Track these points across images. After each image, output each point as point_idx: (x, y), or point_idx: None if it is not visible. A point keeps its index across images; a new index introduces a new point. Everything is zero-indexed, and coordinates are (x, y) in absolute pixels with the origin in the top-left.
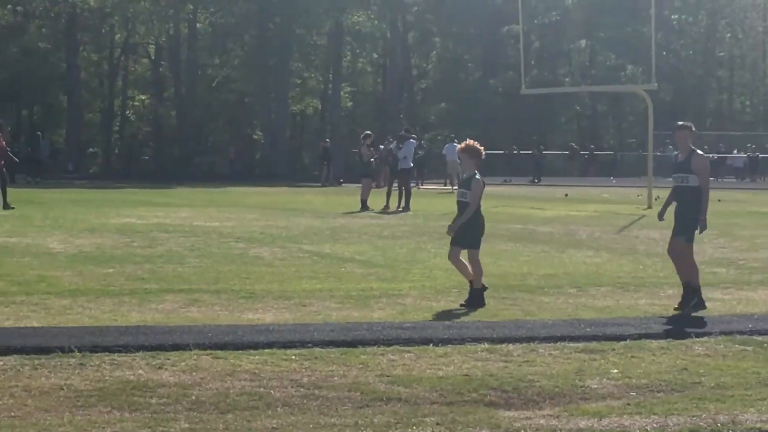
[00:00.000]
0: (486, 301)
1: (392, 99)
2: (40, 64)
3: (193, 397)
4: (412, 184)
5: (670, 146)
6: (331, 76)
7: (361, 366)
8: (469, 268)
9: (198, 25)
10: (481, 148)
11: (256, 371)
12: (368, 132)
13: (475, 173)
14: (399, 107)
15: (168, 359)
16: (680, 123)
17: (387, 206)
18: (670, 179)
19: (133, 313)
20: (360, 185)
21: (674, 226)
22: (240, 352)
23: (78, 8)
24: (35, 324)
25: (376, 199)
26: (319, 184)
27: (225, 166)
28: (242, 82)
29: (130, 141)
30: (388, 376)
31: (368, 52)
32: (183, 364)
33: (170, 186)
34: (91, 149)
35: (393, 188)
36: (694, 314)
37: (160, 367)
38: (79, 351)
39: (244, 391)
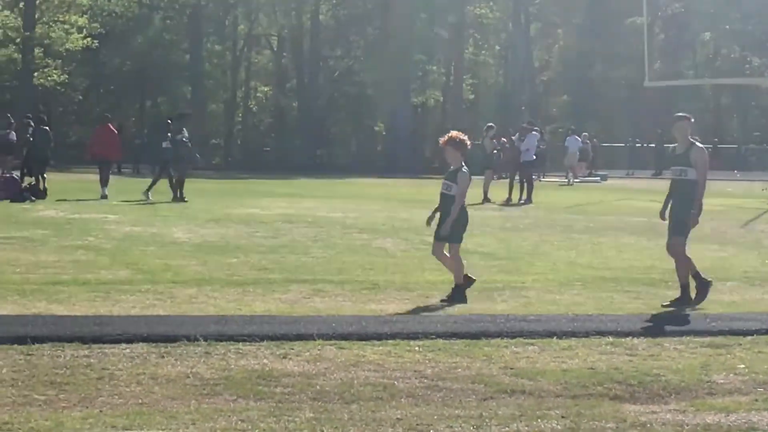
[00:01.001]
0: (467, 298)
1: (514, 91)
2: (165, 56)
3: (318, 387)
4: (533, 177)
5: None
6: (452, 68)
7: (484, 358)
8: (448, 262)
9: (320, 16)
10: (466, 139)
11: (380, 362)
12: (491, 124)
13: (462, 166)
14: (521, 99)
15: (292, 349)
16: (678, 114)
17: (509, 198)
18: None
19: (257, 303)
20: (482, 177)
21: (670, 223)
22: (364, 342)
23: (202, 0)
24: (161, 312)
25: (498, 192)
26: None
27: (347, 157)
28: (364, 73)
29: (252, 132)
30: (511, 369)
31: (490, 44)
32: (307, 353)
33: (292, 177)
34: (213, 140)
35: (515, 180)
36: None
37: (284, 357)
38: (205, 340)
39: (368, 381)
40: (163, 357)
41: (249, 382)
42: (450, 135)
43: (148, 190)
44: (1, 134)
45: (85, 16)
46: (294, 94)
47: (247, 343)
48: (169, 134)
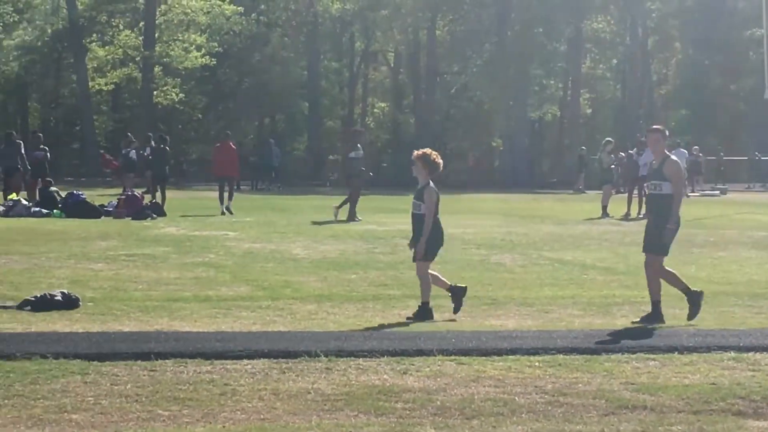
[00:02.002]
0: (434, 315)
1: (631, 105)
2: (282, 73)
3: (438, 403)
4: None
5: None
6: (570, 82)
7: (605, 373)
8: (439, 279)
9: (437, 32)
10: (439, 160)
11: (500, 377)
12: (609, 139)
13: (429, 183)
14: (638, 114)
15: (412, 364)
16: (652, 126)
17: (628, 213)
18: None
19: (376, 319)
20: (600, 192)
21: (646, 238)
22: (484, 358)
23: (319, 17)
24: (282, 328)
25: (617, 206)
26: (571, 191)
27: (464, 173)
28: (481, 89)
29: (370, 148)
30: (633, 384)
31: (608, 58)
32: (427, 369)
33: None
34: (330, 156)
35: (633, 195)
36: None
37: (404, 372)
38: (325, 355)
39: (489, 397)
40: (284, 373)
41: (370, 397)
42: (424, 151)
43: (340, 207)
44: (123, 153)
45: (203, 34)
46: (411, 110)
47: (368, 359)
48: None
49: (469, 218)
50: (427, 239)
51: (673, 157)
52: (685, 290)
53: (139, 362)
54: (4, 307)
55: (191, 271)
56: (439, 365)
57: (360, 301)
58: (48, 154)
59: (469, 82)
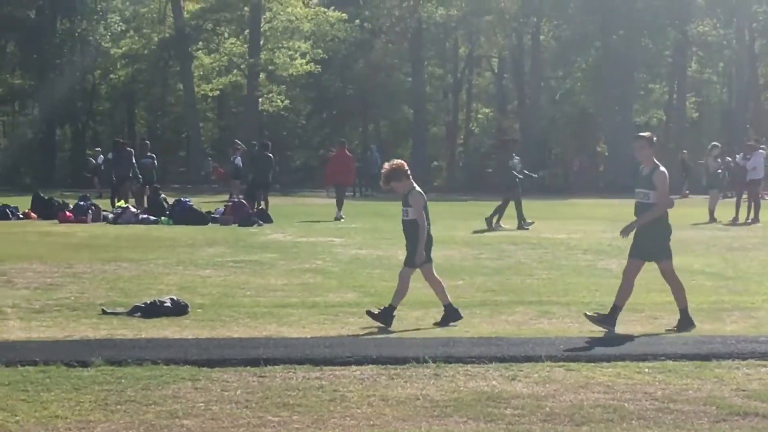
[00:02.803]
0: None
1: (738, 109)
2: (386, 79)
3: (547, 409)
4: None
5: None
6: (675, 86)
7: (715, 380)
8: (436, 284)
9: (541, 37)
10: (403, 165)
11: (610, 384)
12: (715, 143)
13: (413, 188)
14: (745, 117)
15: (521, 370)
16: (638, 134)
17: (736, 218)
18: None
19: (483, 325)
20: (707, 197)
21: (637, 248)
22: (592, 364)
23: (423, 23)
24: (388, 335)
25: (725, 211)
26: (678, 196)
27: (569, 178)
28: (586, 94)
29: (474, 154)
30: (744, 391)
31: (714, 62)
32: (536, 375)
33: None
34: (435, 162)
35: (742, 200)
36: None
37: (513, 378)
38: (434, 361)
39: (598, 403)
40: (392, 379)
41: (479, 403)
42: (386, 170)
43: (493, 216)
44: (231, 160)
45: (308, 41)
46: (515, 115)
47: (476, 365)
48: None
49: (575, 223)
50: (414, 241)
51: (662, 167)
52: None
53: (248, 368)
54: (115, 314)
55: (298, 277)
56: (547, 371)
57: (467, 307)
58: (155, 162)
59: (573, 87)
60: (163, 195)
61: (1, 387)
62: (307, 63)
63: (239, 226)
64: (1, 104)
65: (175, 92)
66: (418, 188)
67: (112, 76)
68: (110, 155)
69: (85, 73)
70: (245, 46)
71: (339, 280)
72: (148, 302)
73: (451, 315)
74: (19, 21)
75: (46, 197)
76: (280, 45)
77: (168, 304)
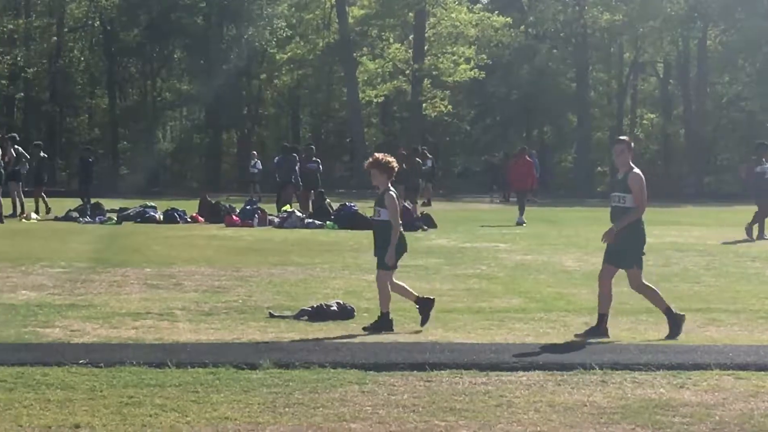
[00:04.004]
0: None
1: None
2: (551, 85)
3: (717, 418)
4: None
5: None
6: None
7: None
8: (407, 290)
9: (708, 42)
10: (392, 162)
11: None
12: None
13: (388, 189)
14: None
15: (689, 378)
16: (617, 137)
17: None
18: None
19: (650, 332)
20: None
21: (616, 256)
22: (763, 373)
23: (588, 28)
24: (555, 341)
25: None
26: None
27: (736, 184)
28: (753, 99)
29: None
30: None
31: None
32: (704, 383)
33: (680, 205)
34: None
35: None
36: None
37: (681, 386)
38: (600, 368)
39: None
40: (559, 385)
41: (646, 411)
42: (375, 157)
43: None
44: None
45: (472, 47)
46: (680, 120)
47: (643, 372)
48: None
49: (743, 231)
50: (387, 245)
51: (636, 170)
52: (600, 314)
53: (414, 372)
54: (282, 317)
55: (463, 282)
56: (716, 379)
57: (633, 314)
58: (320, 167)
59: (741, 92)
60: (327, 200)
61: (171, 388)
62: (471, 68)
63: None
64: (168, 109)
65: (340, 97)
66: (393, 190)
67: (277, 81)
68: (276, 159)
69: (250, 78)
70: (409, 51)
71: (504, 286)
72: (315, 306)
73: (383, 324)
74: (187, 27)
75: (213, 201)
76: (444, 50)
77: (334, 307)
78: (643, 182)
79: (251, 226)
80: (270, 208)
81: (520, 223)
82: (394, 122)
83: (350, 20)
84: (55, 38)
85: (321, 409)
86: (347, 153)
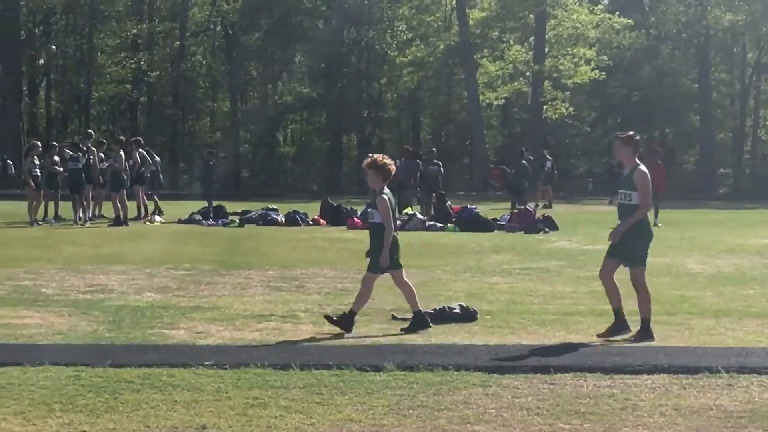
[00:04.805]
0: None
1: None
2: (672, 86)
3: None
4: None
5: None
6: None
7: None
8: (407, 290)
9: None
10: (389, 164)
11: None
12: None
13: (383, 190)
14: None
15: None
16: (616, 133)
17: None
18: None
19: None
20: None
21: (622, 253)
22: None
23: (710, 29)
24: (680, 344)
25: None
26: None
27: None
28: None
29: (762, 161)
30: None
31: None
32: None
33: None
34: (721, 170)
35: None
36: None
37: None
38: (726, 371)
39: None
40: (684, 388)
41: None
42: (372, 157)
43: None
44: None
45: (593, 48)
46: None
47: None
48: None
49: None
50: (382, 248)
51: (642, 166)
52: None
53: (538, 375)
54: (405, 319)
55: (586, 285)
56: None
57: (759, 317)
58: (441, 169)
59: None
60: (449, 202)
61: (296, 390)
62: (592, 70)
63: (525, 233)
64: (289, 112)
65: (460, 100)
66: (386, 192)
67: (397, 83)
68: (398, 163)
69: (371, 81)
70: (530, 53)
71: (627, 289)
72: (438, 308)
73: (419, 322)
74: (308, 30)
75: (334, 204)
76: (565, 52)
77: (457, 310)
78: (649, 179)
79: None
80: None
81: (654, 225)
82: (514, 124)
83: (470, 22)
84: (177, 42)
85: (445, 411)
86: (467, 155)
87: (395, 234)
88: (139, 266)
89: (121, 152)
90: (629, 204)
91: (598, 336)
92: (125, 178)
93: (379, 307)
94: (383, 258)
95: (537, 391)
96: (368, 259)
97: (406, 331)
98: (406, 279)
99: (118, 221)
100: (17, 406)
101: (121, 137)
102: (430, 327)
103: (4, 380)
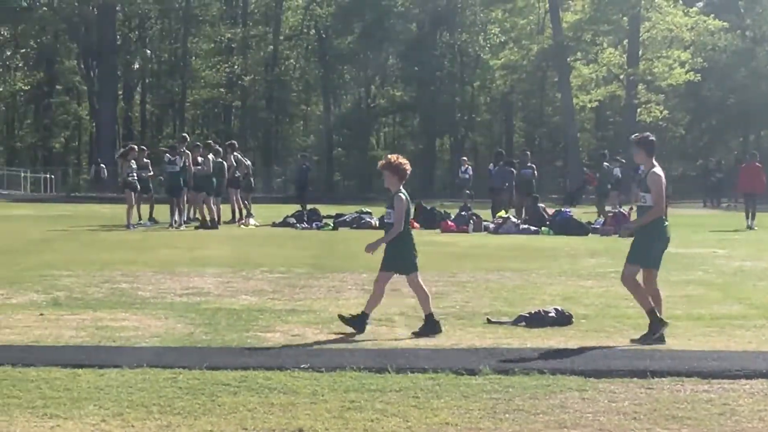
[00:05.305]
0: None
1: None
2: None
3: None
4: None
5: None
6: None
7: None
8: (420, 293)
9: None
10: (404, 164)
11: None
12: None
13: (399, 191)
14: None
15: None
16: (633, 135)
17: None
18: None
19: None
20: None
21: (631, 252)
22: None
23: None
24: None
25: None
26: None
27: None
28: None
29: None
30: None
31: None
32: None
33: None
34: None
35: None
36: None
37: None
38: None
39: None
40: None
41: None
42: (388, 158)
43: None
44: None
45: (687, 50)
46: None
47: None
48: None
49: None
50: (400, 248)
51: (655, 169)
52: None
53: (635, 380)
54: (500, 323)
55: (681, 289)
56: None
57: None
58: (535, 172)
59: None
60: (542, 205)
61: (392, 393)
62: (686, 72)
63: (619, 236)
64: (382, 116)
65: (553, 103)
66: (403, 193)
67: (490, 87)
68: (493, 169)
69: (464, 84)
70: (623, 56)
71: (723, 292)
72: (533, 312)
73: (430, 326)
74: (401, 34)
75: (428, 207)
76: (659, 54)
77: (552, 314)
78: (662, 181)
79: (466, 231)
80: (484, 214)
81: (750, 228)
82: (608, 127)
83: (564, 25)
84: (271, 46)
85: (541, 415)
86: (561, 158)
87: (412, 237)
88: (235, 269)
89: (210, 156)
90: (645, 206)
91: (632, 341)
92: (213, 182)
93: (474, 310)
94: (369, 246)
95: (634, 396)
96: (414, 261)
97: (417, 334)
98: (421, 282)
99: (208, 224)
100: (116, 408)
101: (209, 141)
102: (440, 332)
103: (102, 382)
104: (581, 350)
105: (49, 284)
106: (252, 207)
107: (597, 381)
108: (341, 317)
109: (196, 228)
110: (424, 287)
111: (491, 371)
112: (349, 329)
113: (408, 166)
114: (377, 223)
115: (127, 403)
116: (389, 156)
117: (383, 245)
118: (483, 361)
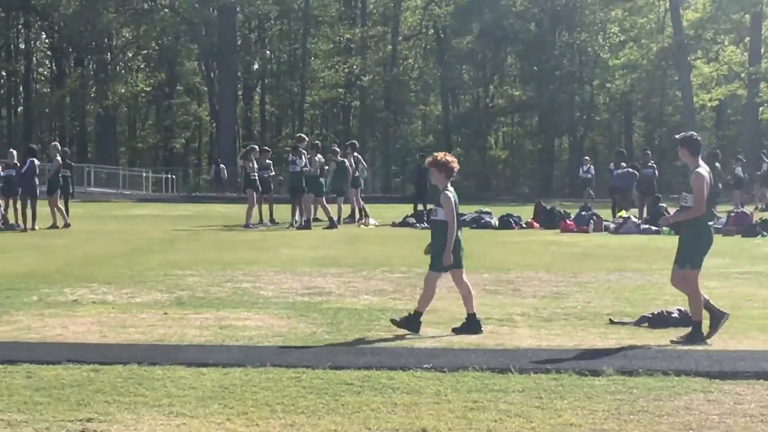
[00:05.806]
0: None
1: None
2: None
3: None
4: None
5: None
6: None
7: None
8: (465, 290)
9: None
10: (452, 161)
11: None
12: None
13: (446, 188)
14: None
15: None
16: (677, 136)
17: None
18: None
19: None
20: None
21: (676, 254)
22: None
23: None
24: None
25: None
26: None
27: None
28: None
29: None
30: None
31: None
32: None
33: None
34: None
35: None
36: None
37: None
38: None
39: None
40: None
41: None
42: (435, 156)
43: None
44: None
45: None
46: None
47: None
48: None
49: None
50: (443, 245)
51: (699, 169)
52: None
53: (761, 381)
54: (622, 323)
55: None
56: None
57: None
58: (656, 171)
59: None
60: (663, 205)
61: (515, 394)
62: None
63: (743, 236)
64: (501, 115)
65: (673, 102)
66: (450, 190)
67: (609, 86)
68: (615, 171)
69: (583, 83)
70: (745, 54)
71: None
72: (656, 312)
73: (471, 325)
74: (519, 33)
75: (548, 207)
76: None
77: (675, 314)
78: (704, 181)
79: (586, 231)
80: (605, 213)
81: None
82: (729, 126)
83: (684, 23)
84: (389, 46)
85: (666, 417)
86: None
87: (458, 233)
88: (355, 269)
89: (318, 156)
90: (686, 206)
91: (672, 342)
92: (322, 183)
93: (596, 311)
94: (446, 257)
95: (760, 398)
96: (460, 257)
97: (457, 331)
98: (465, 279)
99: (332, 224)
100: (240, 406)
101: (317, 142)
102: (481, 332)
103: (227, 381)
104: (705, 351)
105: (172, 283)
106: (366, 207)
107: (722, 382)
108: (393, 321)
109: (324, 228)
110: (468, 285)
111: (614, 372)
112: (469, 330)
113: (455, 165)
114: (496, 222)
115: (252, 402)
116: (437, 153)
117: (434, 244)
118: (606, 362)
